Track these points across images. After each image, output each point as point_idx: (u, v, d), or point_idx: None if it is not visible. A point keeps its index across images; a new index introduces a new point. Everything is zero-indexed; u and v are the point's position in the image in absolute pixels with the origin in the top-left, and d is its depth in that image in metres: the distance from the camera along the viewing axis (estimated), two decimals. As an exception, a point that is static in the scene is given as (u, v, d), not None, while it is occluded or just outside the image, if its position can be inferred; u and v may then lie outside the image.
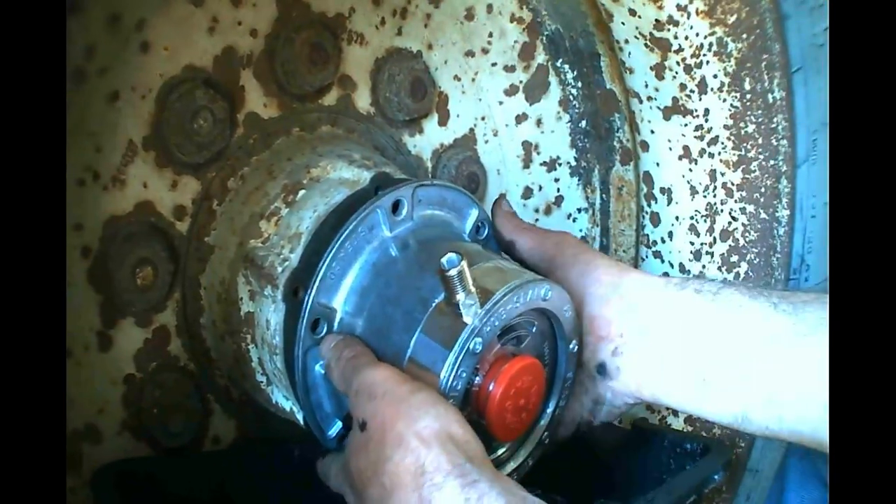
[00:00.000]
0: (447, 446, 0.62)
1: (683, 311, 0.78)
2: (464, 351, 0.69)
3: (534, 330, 0.78)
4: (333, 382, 0.74)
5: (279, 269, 0.80)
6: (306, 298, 0.74)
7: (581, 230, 1.23)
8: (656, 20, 1.00)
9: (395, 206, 0.79)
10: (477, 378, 0.73)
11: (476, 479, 0.59)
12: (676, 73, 1.03)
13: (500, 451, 0.80)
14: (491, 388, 0.72)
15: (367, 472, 0.64)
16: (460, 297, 0.69)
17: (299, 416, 0.81)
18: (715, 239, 1.10)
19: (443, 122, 1.07)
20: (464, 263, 0.68)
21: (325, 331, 0.76)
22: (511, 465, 0.80)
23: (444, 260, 0.68)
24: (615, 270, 0.82)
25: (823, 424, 0.68)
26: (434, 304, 0.72)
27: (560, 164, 1.20)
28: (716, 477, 0.84)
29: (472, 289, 0.69)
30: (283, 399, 0.85)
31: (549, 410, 0.81)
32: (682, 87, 1.04)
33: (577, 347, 0.81)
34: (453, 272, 0.68)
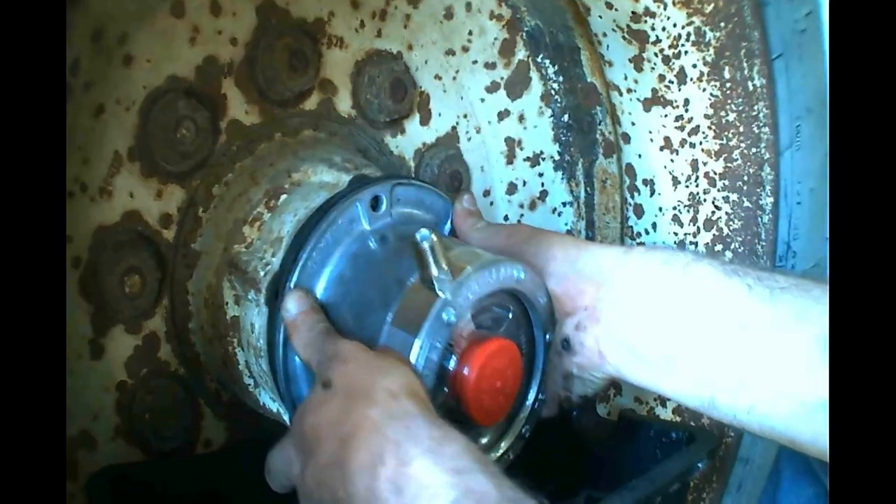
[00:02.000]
0: (414, 398, 0.63)
1: (648, 283, 0.76)
2: (436, 320, 0.70)
3: (510, 315, 0.79)
4: (295, 342, 0.74)
5: (262, 274, 0.82)
6: (287, 285, 0.76)
7: (566, 224, 1.24)
8: (633, 12, 1.00)
9: (375, 202, 0.80)
10: (452, 361, 0.73)
11: (441, 422, 0.61)
12: (655, 64, 1.03)
13: (482, 442, 0.81)
14: (467, 368, 0.73)
15: (325, 427, 0.63)
16: (434, 271, 0.69)
17: (286, 418, 0.83)
18: (699, 228, 1.10)
19: (424, 121, 1.08)
20: (435, 237, 0.69)
21: None
22: (492, 456, 0.81)
23: (417, 234, 0.69)
24: (570, 246, 0.81)
25: (797, 421, 0.66)
26: (409, 283, 0.73)
27: (544, 159, 1.20)
28: (699, 465, 0.85)
29: (444, 264, 0.70)
30: (269, 401, 0.87)
31: (529, 402, 0.82)
32: (661, 77, 1.04)
33: (552, 338, 0.81)
34: (426, 245, 0.69)
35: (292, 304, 0.76)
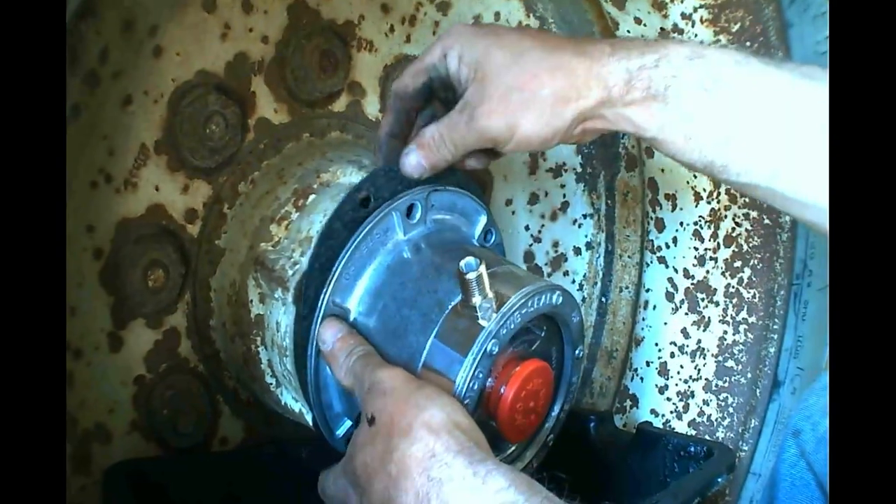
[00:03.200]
0: (454, 433, 0.63)
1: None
2: (481, 352, 0.70)
3: (543, 334, 0.79)
4: (335, 371, 0.74)
5: (290, 272, 0.81)
6: (322, 297, 0.75)
7: (586, 235, 1.24)
8: (661, 28, 1.01)
9: (410, 210, 0.80)
10: (489, 381, 0.73)
11: (483, 458, 0.61)
12: (681, 80, 1.04)
13: (508, 452, 0.81)
14: (503, 390, 0.73)
15: (374, 465, 0.65)
16: (477, 300, 0.70)
17: (308, 418, 0.82)
18: (719, 244, 1.11)
19: (450, 128, 1.08)
20: (482, 267, 0.69)
21: None
22: (518, 466, 0.81)
23: (462, 264, 0.69)
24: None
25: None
26: (450, 307, 0.73)
27: (566, 171, 1.21)
28: (719, 480, 0.85)
29: (489, 292, 0.70)
30: (291, 400, 0.86)
31: (555, 413, 0.82)
32: (687, 94, 1.05)
33: (582, 353, 0.83)
34: (472, 276, 0.69)
35: (328, 335, 0.75)
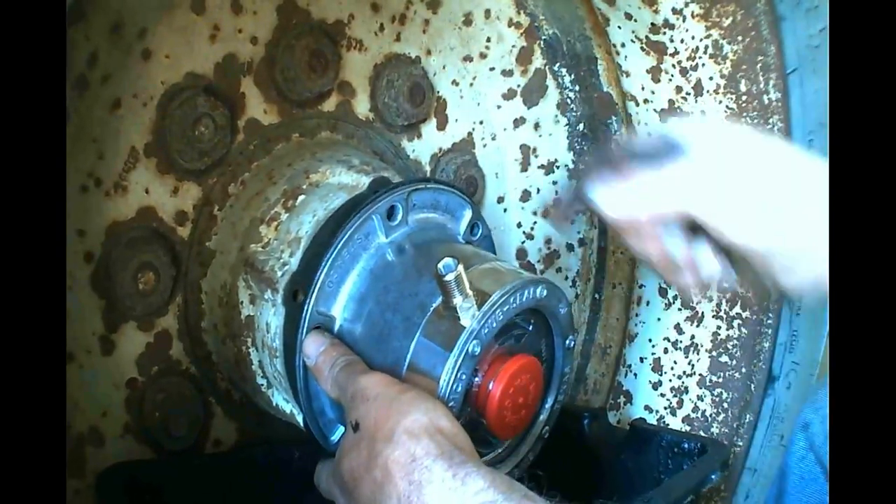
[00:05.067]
0: (436, 437, 0.64)
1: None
2: (462, 353, 0.70)
3: (530, 328, 0.79)
4: (322, 384, 0.75)
5: (279, 274, 0.81)
6: (305, 307, 0.75)
7: (579, 232, 1.24)
8: (652, 24, 1.01)
9: (391, 212, 0.79)
10: (476, 378, 0.73)
11: (463, 461, 0.62)
12: (672, 75, 1.04)
13: (502, 448, 0.81)
14: (490, 387, 0.73)
15: (359, 470, 0.66)
16: (457, 300, 0.69)
17: (299, 419, 0.82)
18: (712, 240, 1.11)
19: (441, 126, 1.08)
20: (460, 267, 0.69)
21: None
22: (513, 461, 0.81)
23: (440, 265, 0.68)
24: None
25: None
26: (432, 309, 0.72)
27: (558, 167, 1.20)
28: (713, 477, 0.85)
29: (469, 292, 0.70)
30: (282, 402, 0.86)
31: (548, 405, 0.82)
32: (679, 89, 1.05)
33: (572, 343, 0.82)
34: (450, 276, 0.68)
35: (311, 348, 0.76)
